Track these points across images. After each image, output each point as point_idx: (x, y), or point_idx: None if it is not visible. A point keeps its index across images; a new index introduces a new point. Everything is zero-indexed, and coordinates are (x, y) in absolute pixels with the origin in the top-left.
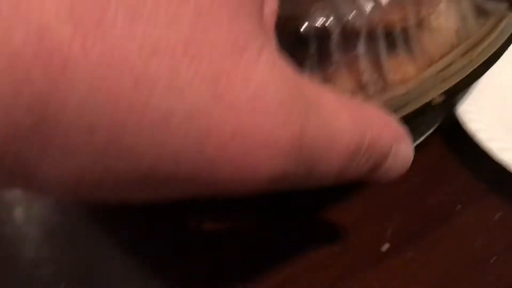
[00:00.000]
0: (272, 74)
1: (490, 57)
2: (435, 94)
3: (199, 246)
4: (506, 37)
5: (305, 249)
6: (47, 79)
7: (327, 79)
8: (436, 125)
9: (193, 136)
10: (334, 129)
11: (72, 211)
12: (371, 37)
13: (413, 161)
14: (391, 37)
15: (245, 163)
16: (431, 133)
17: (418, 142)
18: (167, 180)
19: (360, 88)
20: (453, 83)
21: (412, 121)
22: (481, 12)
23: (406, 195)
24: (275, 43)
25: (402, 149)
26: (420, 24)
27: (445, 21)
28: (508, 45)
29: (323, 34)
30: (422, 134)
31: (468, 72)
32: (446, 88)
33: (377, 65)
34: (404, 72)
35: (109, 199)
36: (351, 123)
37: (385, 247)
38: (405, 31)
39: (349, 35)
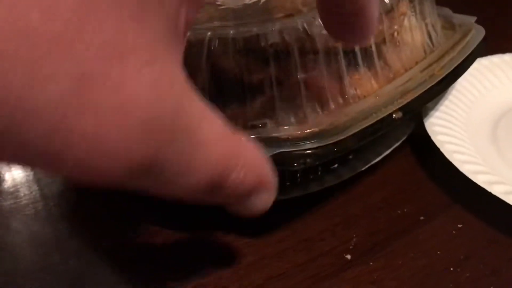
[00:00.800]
0: (150, 91)
1: (451, 72)
2: (393, 109)
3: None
4: (469, 51)
5: (269, 258)
6: None
7: (288, 96)
8: (404, 137)
9: (42, 129)
10: (198, 160)
11: (53, 221)
12: (331, 54)
13: (383, 172)
14: (352, 54)
15: (87, 165)
16: (401, 145)
17: (385, 154)
18: (17, 153)
19: (321, 104)
20: (412, 98)
21: (373, 135)
22: (448, 25)
23: (373, 205)
24: (179, 57)
25: (263, 196)
26: (384, 40)
27: (410, 36)
28: (473, 60)
29: (283, 52)
30: (390, 146)
31: (427, 88)
32: (405, 103)
33: (337, 81)
34: (365, 87)
35: None
36: (220, 158)
37: (350, 255)
38: (365, 48)
39: (308, 53)
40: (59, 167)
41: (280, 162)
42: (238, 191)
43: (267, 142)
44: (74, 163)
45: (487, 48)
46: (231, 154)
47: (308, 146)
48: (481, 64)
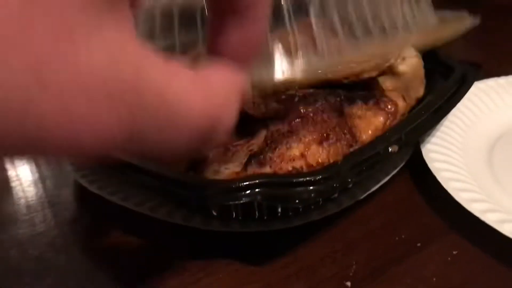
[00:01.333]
0: (102, 55)
1: (445, 103)
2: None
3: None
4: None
5: (274, 285)
6: None
7: (292, 131)
8: (402, 163)
9: (13, 117)
10: (179, 115)
11: (68, 248)
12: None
13: (381, 198)
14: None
15: (69, 143)
16: (400, 169)
17: (384, 181)
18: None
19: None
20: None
21: (370, 169)
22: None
23: (372, 231)
24: (128, 24)
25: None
26: (384, 72)
27: (408, 66)
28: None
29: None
30: (388, 173)
31: (422, 119)
32: (399, 136)
33: (339, 111)
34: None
35: None
36: (202, 108)
37: (349, 282)
38: (370, 81)
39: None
40: (45, 151)
41: (283, 199)
42: (226, 129)
43: (269, 178)
44: (56, 143)
45: (483, 72)
46: (213, 99)
47: (310, 183)
48: (477, 88)
